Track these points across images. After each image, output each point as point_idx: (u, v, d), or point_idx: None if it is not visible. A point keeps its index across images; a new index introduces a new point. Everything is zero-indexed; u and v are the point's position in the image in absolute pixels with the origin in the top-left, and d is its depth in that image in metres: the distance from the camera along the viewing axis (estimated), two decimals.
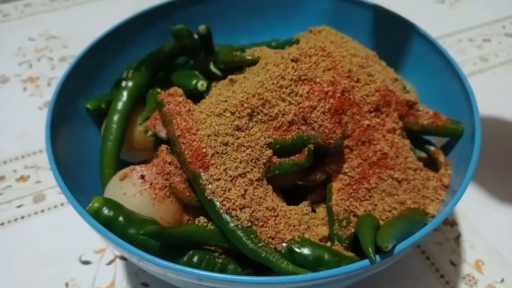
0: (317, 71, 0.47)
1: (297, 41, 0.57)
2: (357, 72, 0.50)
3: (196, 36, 0.59)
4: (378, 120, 0.49)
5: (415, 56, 0.59)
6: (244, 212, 0.42)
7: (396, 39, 0.61)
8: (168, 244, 0.42)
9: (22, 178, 0.67)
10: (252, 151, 0.45)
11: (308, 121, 0.45)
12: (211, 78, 0.56)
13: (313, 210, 0.48)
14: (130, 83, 0.54)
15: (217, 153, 0.44)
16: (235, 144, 0.44)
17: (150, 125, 0.51)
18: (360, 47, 0.55)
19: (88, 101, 0.56)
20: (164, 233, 0.41)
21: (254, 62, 0.54)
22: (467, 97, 0.50)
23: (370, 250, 0.38)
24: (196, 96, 0.54)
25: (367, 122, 0.48)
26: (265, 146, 0.45)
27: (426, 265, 0.57)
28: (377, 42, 0.56)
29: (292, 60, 0.47)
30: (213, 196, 0.43)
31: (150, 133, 0.51)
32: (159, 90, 0.54)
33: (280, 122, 0.46)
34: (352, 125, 0.47)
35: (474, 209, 0.62)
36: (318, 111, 0.45)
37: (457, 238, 0.60)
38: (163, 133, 0.49)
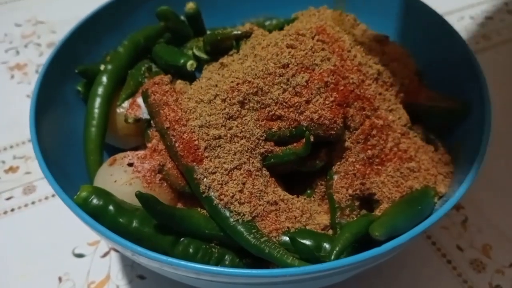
0: (314, 58, 0.43)
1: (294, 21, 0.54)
2: (367, 64, 0.47)
3: (183, 17, 0.57)
4: (392, 117, 0.46)
5: (419, 33, 0.57)
6: (244, 206, 0.40)
7: (400, 15, 0.58)
8: (162, 230, 0.40)
9: (11, 169, 0.65)
10: (247, 141, 0.42)
11: (306, 112, 0.42)
12: (202, 61, 0.53)
13: (317, 197, 0.45)
14: (109, 66, 0.52)
15: (210, 145, 0.41)
16: (228, 135, 0.42)
17: (128, 112, 0.48)
18: (366, 30, 0.52)
19: (79, 83, 0.53)
20: (158, 205, 0.38)
21: (240, 38, 0.50)
22: (475, 77, 0.48)
23: (334, 252, 0.36)
24: (184, 75, 0.51)
25: (380, 122, 0.44)
26: (260, 135, 0.43)
27: (433, 251, 0.55)
28: (380, 18, 0.53)
29: (288, 46, 0.43)
30: (209, 190, 0.40)
31: (131, 120, 0.48)
32: (145, 65, 0.53)
33: (274, 111, 0.42)
34: (359, 118, 0.44)
35: (481, 192, 0.60)
36: (317, 101, 0.42)
37: (464, 222, 0.58)
38: (145, 113, 0.47)
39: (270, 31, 0.57)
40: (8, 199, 0.61)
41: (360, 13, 0.55)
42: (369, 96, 0.44)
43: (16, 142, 0.68)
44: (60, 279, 0.53)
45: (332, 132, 0.42)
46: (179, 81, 0.49)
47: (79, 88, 0.53)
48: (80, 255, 0.56)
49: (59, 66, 0.51)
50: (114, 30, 0.57)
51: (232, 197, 0.40)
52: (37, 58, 0.81)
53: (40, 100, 0.47)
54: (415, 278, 0.53)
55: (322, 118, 0.41)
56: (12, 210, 0.60)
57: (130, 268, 0.54)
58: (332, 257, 0.36)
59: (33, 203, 0.61)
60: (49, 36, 0.85)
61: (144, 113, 0.48)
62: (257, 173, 0.42)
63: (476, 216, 0.58)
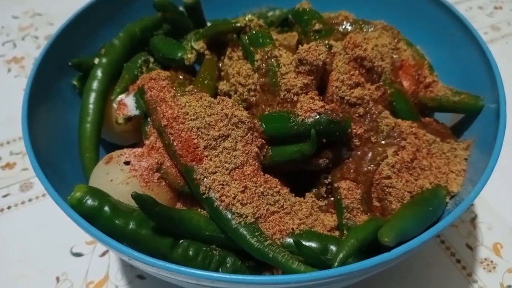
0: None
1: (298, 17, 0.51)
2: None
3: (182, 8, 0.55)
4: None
5: (429, 23, 0.55)
6: (246, 207, 0.38)
7: (408, 5, 0.56)
8: (161, 232, 0.38)
9: (8, 166, 0.63)
10: (250, 138, 0.40)
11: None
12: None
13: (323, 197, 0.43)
14: (104, 60, 0.50)
15: (210, 144, 0.39)
16: (229, 133, 0.40)
17: (117, 113, 0.46)
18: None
19: (75, 77, 0.52)
20: (156, 207, 0.36)
21: (242, 30, 0.48)
22: (488, 69, 0.46)
23: (338, 259, 0.34)
24: (183, 68, 0.50)
25: (390, 120, 0.43)
26: (263, 132, 0.41)
27: (441, 249, 0.53)
28: (389, 9, 0.51)
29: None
30: (209, 191, 0.38)
31: (121, 120, 0.46)
32: (142, 58, 0.51)
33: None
34: (367, 116, 0.44)
35: (491, 188, 0.57)
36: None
37: (473, 219, 0.56)
38: (134, 111, 0.45)
39: (272, 22, 0.54)
40: (4, 196, 0.60)
41: (365, 7, 0.52)
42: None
43: (13, 138, 0.66)
44: (57, 279, 0.52)
45: (341, 130, 0.41)
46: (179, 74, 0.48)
47: (75, 83, 0.52)
48: (78, 254, 0.54)
49: (53, 59, 0.49)
50: (111, 22, 0.55)
51: (234, 198, 0.38)
52: (35, 51, 0.79)
53: (33, 95, 0.45)
54: (422, 278, 0.51)
55: (333, 114, 0.40)
56: (9, 207, 0.59)
57: (129, 268, 0.53)
58: (336, 264, 0.34)
59: (30, 200, 0.60)
60: (47, 29, 0.83)
61: (132, 110, 0.46)
62: (260, 172, 0.40)
63: (486, 214, 0.56)
